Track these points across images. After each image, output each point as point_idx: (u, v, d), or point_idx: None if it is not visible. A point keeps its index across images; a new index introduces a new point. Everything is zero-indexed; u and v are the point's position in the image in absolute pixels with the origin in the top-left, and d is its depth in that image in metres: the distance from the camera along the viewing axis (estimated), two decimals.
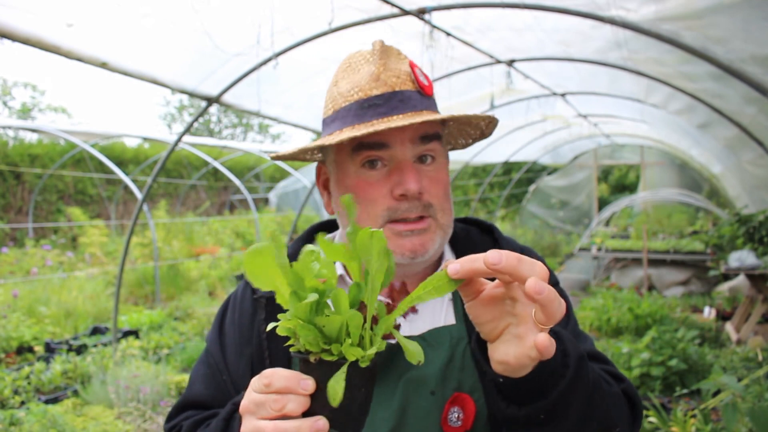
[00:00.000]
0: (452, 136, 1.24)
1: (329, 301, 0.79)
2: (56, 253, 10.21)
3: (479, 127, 1.19)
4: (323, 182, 1.22)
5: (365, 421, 0.84)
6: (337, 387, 0.77)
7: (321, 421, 0.79)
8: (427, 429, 1.05)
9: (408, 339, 0.82)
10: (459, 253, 1.23)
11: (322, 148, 1.19)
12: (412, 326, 1.14)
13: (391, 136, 1.07)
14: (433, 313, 1.16)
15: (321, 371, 0.79)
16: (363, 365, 0.79)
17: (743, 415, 3.30)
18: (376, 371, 0.84)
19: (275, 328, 0.80)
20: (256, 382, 0.83)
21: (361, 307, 0.81)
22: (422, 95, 1.10)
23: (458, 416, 1.05)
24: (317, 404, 0.80)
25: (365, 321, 0.79)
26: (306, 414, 0.80)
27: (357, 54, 1.15)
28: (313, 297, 0.75)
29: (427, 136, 1.09)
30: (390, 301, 0.87)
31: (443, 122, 1.16)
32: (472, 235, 1.27)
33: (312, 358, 0.79)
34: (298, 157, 1.20)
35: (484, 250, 1.20)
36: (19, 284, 7.82)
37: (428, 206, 1.09)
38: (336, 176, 1.14)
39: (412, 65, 1.12)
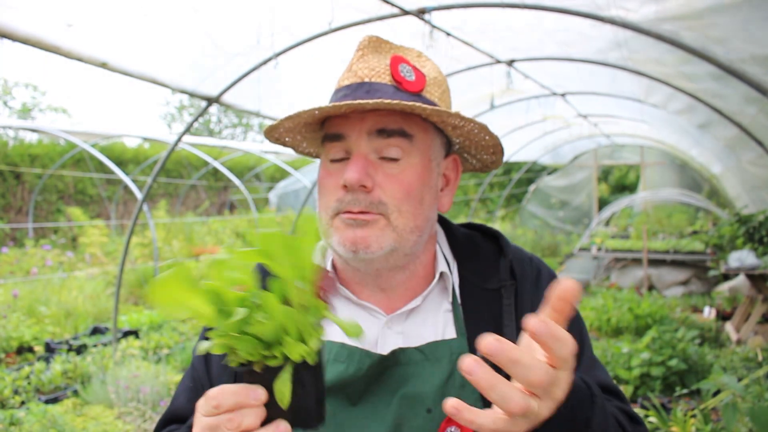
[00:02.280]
0: (469, 149, 1.17)
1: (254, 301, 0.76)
2: (56, 253, 10.21)
3: (484, 139, 1.12)
4: None
5: (326, 407, 0.82)
6: (284, 389, 0.75)
7: (282, 425, 0.76)
8: None
9: (342, 319, 0.80)
10: (461, 258, 1.18)
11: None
12: (405, 339, 1.08)
13: (347, 127, 1.03)
14: (425, 323, 1.11)
15: (269, 377, 0.76)
16: (312, 362, 0.76)
17: (743, 415, 3.31)
18: (324, 359, 0.81)
19: None
20: (203, 405, 0.78)
21: (287, 301, 0.77)
22: (398, 89, 1.04)
23: None
24: (273, 410, 0.77)
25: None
26: (265, 423, 0.76)
27: None
28: (241, 313, 0.72)
29: (385, 131, 1.02)
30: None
31: (442, 132, 1.11)
32: (475, 240, 1.21)
33: (257, 368, 0.75)
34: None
35: (488, 256, 1.19)
36: (19, 284, 7.83)
37: (378, 203, 1.01)
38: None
39: (395, 59, 1.06)
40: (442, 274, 1.13)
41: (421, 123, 1.06)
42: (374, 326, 1.09)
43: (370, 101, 0.96)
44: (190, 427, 0.92)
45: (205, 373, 1.13)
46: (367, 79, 1.04)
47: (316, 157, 1.24)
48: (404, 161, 1.04)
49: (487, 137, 1.11)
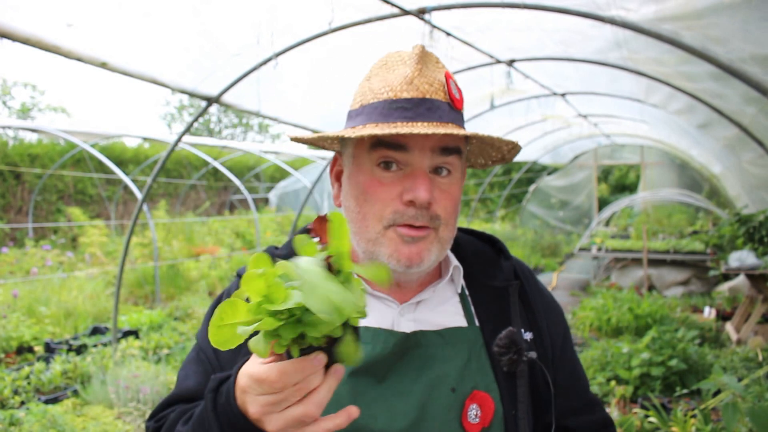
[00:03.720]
0: (472, 154, 1.24)
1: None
2: (56, 253, 10.20)
3: (501, 151, 1.20)
4: (336, 173, 1.21)
5: None
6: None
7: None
8: (448, 424, 1.07)
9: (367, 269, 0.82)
10: (463, 257, 1.25)
11: (342, 139, 1.17)
12: (418, 325, 1.14)
13: (412, 140, 1.06)
14: (435, 311, 1.17)
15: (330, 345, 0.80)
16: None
17: (743, 415, 3.30)
18: None
19: None
20: (256, 387, 0.82)
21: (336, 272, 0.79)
22: (451, 108, 1.09)
23: (476, 413, 1.08)
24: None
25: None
26: None
27: (395, 54, 1.15)
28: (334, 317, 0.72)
29: (447, 149, 1.08)
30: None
31: (466, 138, 1.15)
32: (475, 242, 1.30)
33: (324, 343, 0.79)
34: (317, 143, 1.20)
35: (489, 257, 1.27)
36: (19, 284, 7.82)
37: (435, 218, 1.08)
38: (350, 170, 1.14)
39: (447, 76, 1.12)
40: (455, 267, 1.21)
41: (462, 139, 1.13)
42: (389, 313, 1.15)
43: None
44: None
45: (214, 357, 1.16)
46: (428, 96, 1.08)
47: (328, 149, 1.24)
48: (452, 176, 1.11)
49: (506, 151, 1.20)
